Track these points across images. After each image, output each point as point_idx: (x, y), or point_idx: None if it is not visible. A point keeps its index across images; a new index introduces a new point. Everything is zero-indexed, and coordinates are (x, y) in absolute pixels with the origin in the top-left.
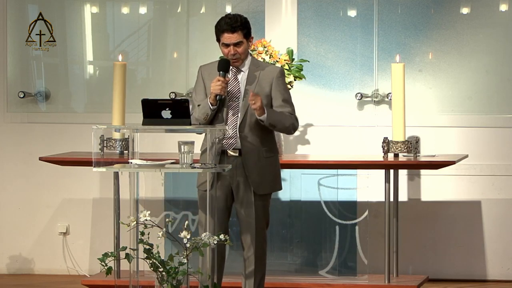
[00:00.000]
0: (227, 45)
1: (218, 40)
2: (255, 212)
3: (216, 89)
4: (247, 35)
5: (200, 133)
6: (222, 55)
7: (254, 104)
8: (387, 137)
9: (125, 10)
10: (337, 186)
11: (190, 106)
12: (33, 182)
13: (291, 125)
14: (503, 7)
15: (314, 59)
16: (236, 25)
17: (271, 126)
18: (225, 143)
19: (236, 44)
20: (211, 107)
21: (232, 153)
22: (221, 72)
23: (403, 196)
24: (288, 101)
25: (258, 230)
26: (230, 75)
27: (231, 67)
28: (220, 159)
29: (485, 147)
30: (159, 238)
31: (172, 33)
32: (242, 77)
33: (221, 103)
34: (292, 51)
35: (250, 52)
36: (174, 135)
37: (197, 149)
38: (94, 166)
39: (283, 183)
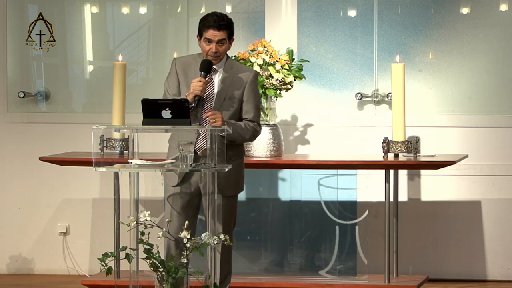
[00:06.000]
0: (210, 42)
1: (200, 35)
2: (222, 212)
3: (196, 89)
4: (230, 36)
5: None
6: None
7: (215, 122)
8: (387, 137)
9: (125, 10)
10: (337, 186)
11: (163, 97)
12: (33, 182)
13: (251, 137)
14: (503, 7)
15: (314, 59)
16: (223, 24)
17: (231, 142)
18: (197, 143)
19: (219, 42)
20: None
21: (201, 154)
22: (202, 72)
23: (403, 196)
24: (256, 107)
25: (225, 230)
26: (209, 76)
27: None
28: (194, 160)
29: (485, 147)
30: (159, 238)
31: (172, 33)
32: (217, 77)
33: (198, 103)
34: (292, 51)
35: (250, 51)
36: None
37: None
38: (94, 166)
39: (283, 183)
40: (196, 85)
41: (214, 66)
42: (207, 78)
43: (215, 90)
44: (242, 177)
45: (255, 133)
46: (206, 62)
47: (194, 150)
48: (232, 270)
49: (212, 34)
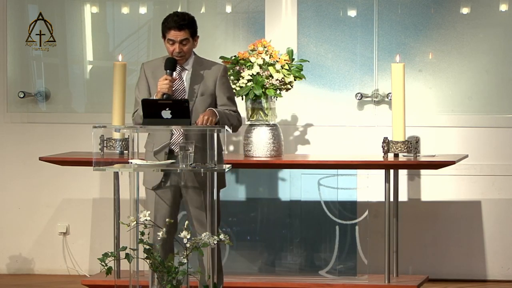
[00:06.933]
0: (173, 42)
1: (164, 36)
2: (204, 209)
3: (163, 88)
4: (193, 34)
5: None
6: (222, 55)
7: (212, 122)
8: (387, 137)
9: (125, 10)
10: (337, 186)
11: (134, 103)
12: (33, 182)
13: (237, 123)
14: (503, 7)
15: (314, 59)
16: (184, 23)
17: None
18: (172, 142)
19: (182, 42)
20: None
21: (177, 153)
22: (168, 71)
23: (403, 196)
24: (232, 99)
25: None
26: (176, 74)
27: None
28: (168, 157)
29: (485, 147)
30: (159, 238)
31: None
32: (187, 75)
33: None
34: (292, 51)
35: (250, 51)
36: None
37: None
38: (94, 166)
39: (283, 183)
40: (162, 84)
41: (182, 65)
42: (173, 76)
43: (186, 88)
44: (223, 173)
45: (238, 122)
46: (170, 60)
47: (170, 148)
48: (223, 269)
49: (173, 34)
